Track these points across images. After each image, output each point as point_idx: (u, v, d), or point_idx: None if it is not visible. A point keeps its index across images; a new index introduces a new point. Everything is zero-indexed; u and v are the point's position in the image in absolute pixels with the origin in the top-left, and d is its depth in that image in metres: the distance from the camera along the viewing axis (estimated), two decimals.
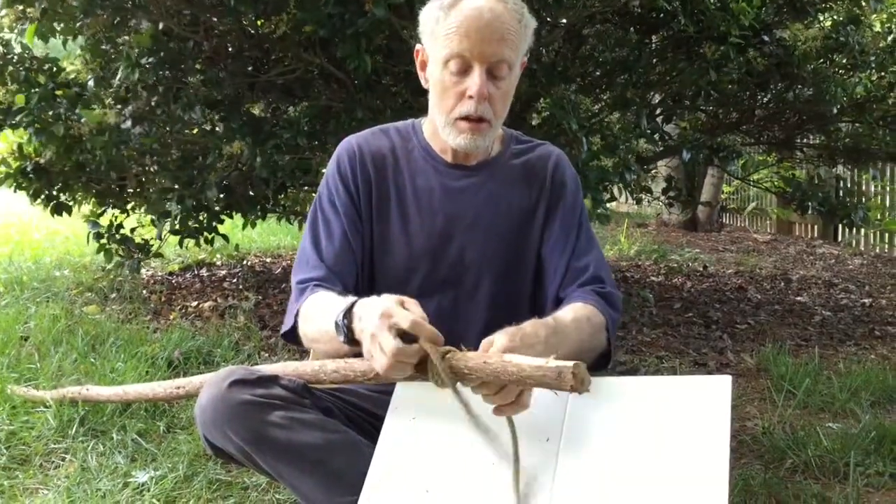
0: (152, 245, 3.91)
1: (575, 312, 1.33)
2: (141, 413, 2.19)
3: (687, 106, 3.88)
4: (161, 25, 3.01)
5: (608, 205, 3.09)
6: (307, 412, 1.27)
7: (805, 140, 4.56)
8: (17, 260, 5.03)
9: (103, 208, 4.07)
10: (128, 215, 4.16)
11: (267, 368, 1.37)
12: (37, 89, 3.20)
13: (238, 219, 4.21)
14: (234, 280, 4.45)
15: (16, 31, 3.22)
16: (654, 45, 3.54)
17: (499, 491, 1.13)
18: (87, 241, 4.04)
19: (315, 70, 3.22)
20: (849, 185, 6.84)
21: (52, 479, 1.84)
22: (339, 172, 1.48)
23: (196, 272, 4.76)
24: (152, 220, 3.85)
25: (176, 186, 3.45)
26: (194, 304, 3.77)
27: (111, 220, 3.97)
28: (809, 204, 4.02)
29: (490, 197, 1.47)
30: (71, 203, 4.03)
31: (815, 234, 7.51)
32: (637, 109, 3.30)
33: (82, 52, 3.48)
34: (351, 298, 1.23)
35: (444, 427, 1.22)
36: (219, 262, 5.18)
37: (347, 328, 1.19)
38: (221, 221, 3.85)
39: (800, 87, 3.63)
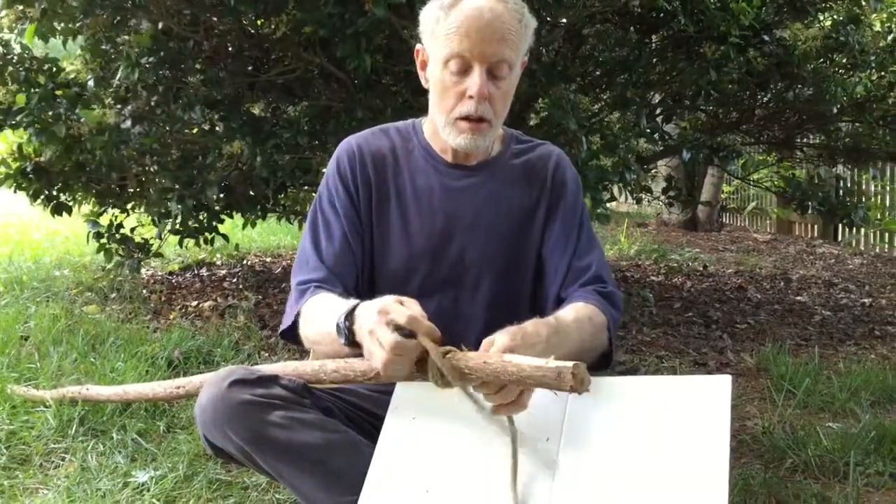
0: (152, 245, 3.91)
1: (576, 312, 1.33)
2: (141, 413, 2.19)
3: (687, 105, 3.88)
4: (161, 25, 3.01)
5: (608, 204, 3.09)
6: (307, 412, 1.28)
7: (805, 140, 4.56)
8: (17, 260, 5.03)
9: (103, 208, 4.07)
10: (128, 215, 4.16)
11: (267, 368, 1.37)
12: (37, 89, 3.20)
13: (238, 218, 4.21)
14: (234, 280, 4.45)
15: (16, 31, 3.22)
16: (654, 45, 3.54)
17: (499, 491, 1.13)
18: (87, 241, 4.04)
19: (315, 70, 3.22)
20: (849, 185, 6.84)
21: (52, 478, 1.84)
22: (338, 173, 1.48)
23: (196, 272, 4.76)
24: (152, 220, 3.85)
25: (176, 186, 3.45)
26: (194, 303, 3.77)
27: (111, 220, 3.97)
28: (809, 204, 4.02)
29: (490, 197, 1.47)
30: (71, 203, 4.03)
31: (815, 234, 7.52)
32: (637, 109, 3.30)
33: (82, 52, 3.47)
34: (353, 301, 1.23)
35: (444, 427, 1.22)
36: (219, 262, 5.18)
37: (349, 330, 1.19)
38: (221, 221, 3.85)
39: (800, 86, 3.63)
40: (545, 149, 1.56)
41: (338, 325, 1.21)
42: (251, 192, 3.75)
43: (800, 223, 7.79)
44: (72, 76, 3.43)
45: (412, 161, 1.49)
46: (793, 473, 1.94)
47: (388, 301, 1.14)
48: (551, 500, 1.10)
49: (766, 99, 3.94)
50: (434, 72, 1.39)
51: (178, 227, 3.60)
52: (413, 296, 1.19)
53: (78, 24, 3.16)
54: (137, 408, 2.20)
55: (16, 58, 3.39)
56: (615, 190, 3.89)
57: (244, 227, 4.38)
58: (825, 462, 1.96)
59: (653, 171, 5.41)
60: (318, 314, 1.32)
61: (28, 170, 3.68)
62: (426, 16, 1.39)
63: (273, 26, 2.95)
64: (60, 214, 3.97)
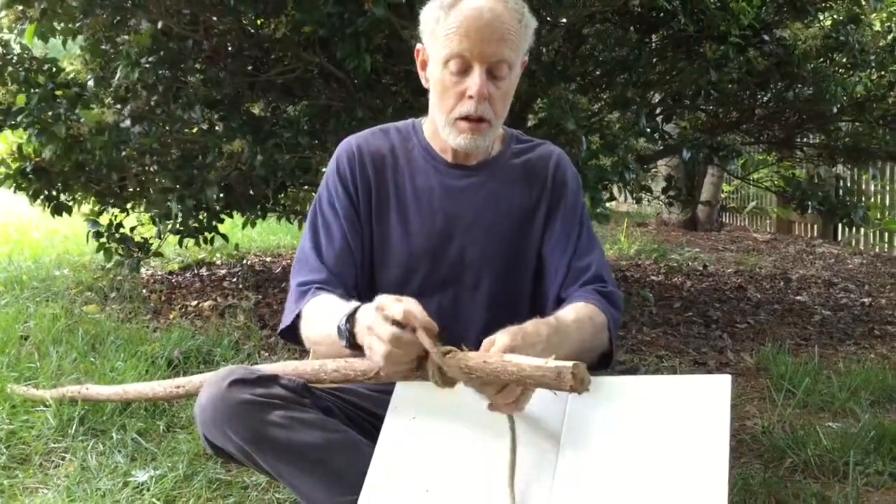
0: (152, 244, 3.91)
1: (577, 312, 1.33)
2: (141, 412, 2.19)
3: (687, 105, 3.88)
4: (161, 25, 3.00)
5: (608, 204, 3.09)
6: (307, 412, 1.28)
7: (805, 139, 4.56)
8: (17, 259, 5.03)
9: (103, 208, 4.07)
10: (127, 214, 4.16)
11: (267, 368, 1.37)
12: (37, 89, 3.20)
13: (238, 218, 4.21)
14: (234, 279, 4.45)
15: (15, 31, 3.22)
16: (653, 45, 3.54)
17: (498, 490, 1.13)
18: (87, 240, 4.04)
19: (315, 69, 3.21)
20: (848, 185, 6.85)
21: (52, 478, 1.84)
22: (338, 174, 1.48)
23: (196, 271, 4.76)
24: (152, 220, 3.85)
25: (176, 186, 3.45)
26: (194, 303, 3.77)
27: (111, 219, 3.97)
28: (809, 203, 4.02)
29: (490, 196, 1.47)
30: (71, 203, 4.03)
31: (815, 234, 7.52)
32: (637, 109, 3.30)
33: (82, 52, 3.48)
34: (353, 304, 1.23)
35: (444, 427, 1.22)
36: (219, 262, 5.18)
37: (350, 332, 1.20)
38: (221, 221, 3.85)
39: (800, 86, 3.63)
40: (545, 148, 1.56)
41: (339, 328, 1.21)
42: (251, 192, 3.75)
43: (799, 223, 7.79)
44: (72, 76, 3.43)
45: (412, 161, 1.49)
46: (792, 473, 1.94)
47: (385, 298, 1.15)
48: (551, 500, 1.11)
49: (766, 98, 3.94)
50: (434, 72, 1.39)
51: (177, 226, 3.60)
52: (413, 296, 1.19)
53: (78, 24, 3.16)
54: (137, 407, 2.20)
55: (16, 58, 3.40)
56: (615, 189, 3.89)
57: (244, 226, 4.38)
58: (825, 462, 1.96)
59: (653, 170, 5.42)
60: (320, 316, 1.32)
61: (28, 170, 3.67)
62: (426, 16, 1.39)
63: (273, 26, 2.95)
64: (60, 214, 3.97)
